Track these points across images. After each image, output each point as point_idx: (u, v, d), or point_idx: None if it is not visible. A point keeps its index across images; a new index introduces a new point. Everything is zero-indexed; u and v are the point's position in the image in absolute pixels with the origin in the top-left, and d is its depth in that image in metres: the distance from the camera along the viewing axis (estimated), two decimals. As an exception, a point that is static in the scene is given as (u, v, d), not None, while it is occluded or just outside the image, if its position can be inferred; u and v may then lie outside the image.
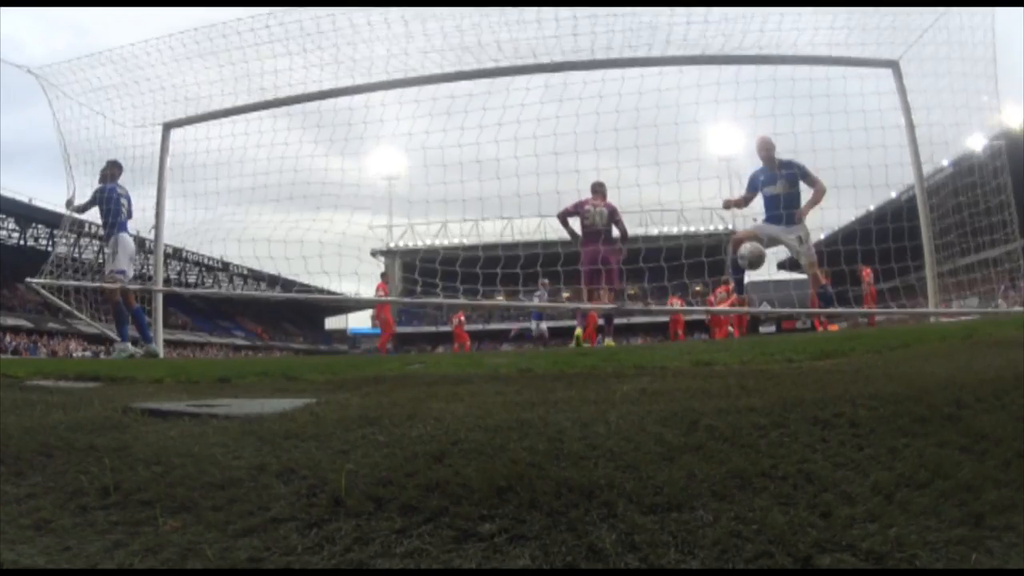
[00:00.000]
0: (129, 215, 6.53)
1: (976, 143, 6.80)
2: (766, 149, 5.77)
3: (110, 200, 6.32)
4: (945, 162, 6.80)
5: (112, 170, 6.49)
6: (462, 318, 17.09)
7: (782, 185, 5.63)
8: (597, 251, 6.14)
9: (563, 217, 6.44)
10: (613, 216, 6.29)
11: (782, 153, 5.67)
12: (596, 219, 6.24)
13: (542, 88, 5.76)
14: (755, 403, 1.78)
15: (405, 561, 0.95)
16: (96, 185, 6.49)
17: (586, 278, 6.26)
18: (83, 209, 6.73)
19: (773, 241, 5.71)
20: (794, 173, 5.61)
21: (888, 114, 5.76)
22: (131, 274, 6.49)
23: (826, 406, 1.68)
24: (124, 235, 6.36)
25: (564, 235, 6.48)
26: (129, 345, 6.22)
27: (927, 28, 5.61)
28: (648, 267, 6.23)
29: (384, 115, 6.02)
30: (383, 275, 12.25)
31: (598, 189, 6.37)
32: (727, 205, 5.97)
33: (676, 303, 15.42)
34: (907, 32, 5.68)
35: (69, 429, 1.81)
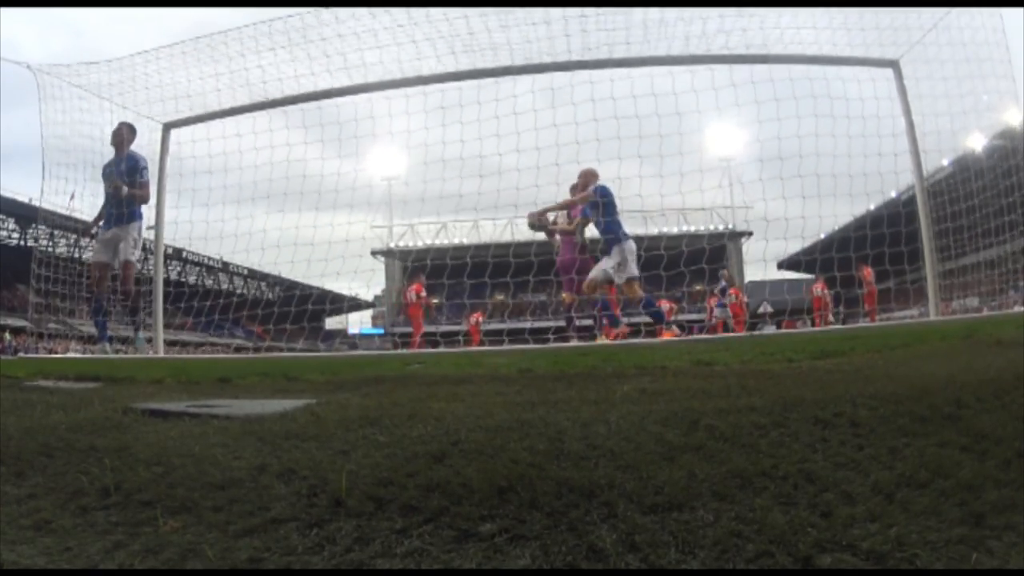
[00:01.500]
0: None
1: (977, 143, 6.80)
2: (582, 177, 5.85)
3: (141, 174, 5.35)
4: (945, 162, 6.79)
5: (131, 135, 5.53)
6: (480, 319, 16.99)
7: (594, 215, 5.77)
8: (567, 255, 6.36)
9: (549, 231, 6.63)
10: (570, 212, 6.40)
11: (788, 154, 5.66)
12: (560, 220, 6.40)
13: (544, 88, 5.78)
14: (755, 403, 1.78)
15: (406, 561, 0.95)
16: (106, 157, 5.53)
17: (563, 283, 6.46)
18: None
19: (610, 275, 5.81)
20: (599, 200, 5.68)
21: (888, 113, 5.77)
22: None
23: (826, 406, 1.68)
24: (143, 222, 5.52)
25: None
26: (145, 343, 5.68)
27: (928, 28, 5.61)
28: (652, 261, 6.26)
29: (384, 115, 6.04)
30: (417, 278, 12.16)
31: (574, 192, 6.50)
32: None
33: (663, 305, 15.50)
34: (908, 32, 5.68)
35: (69, 430, 1.81)
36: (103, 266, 5.44)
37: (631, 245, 5.70)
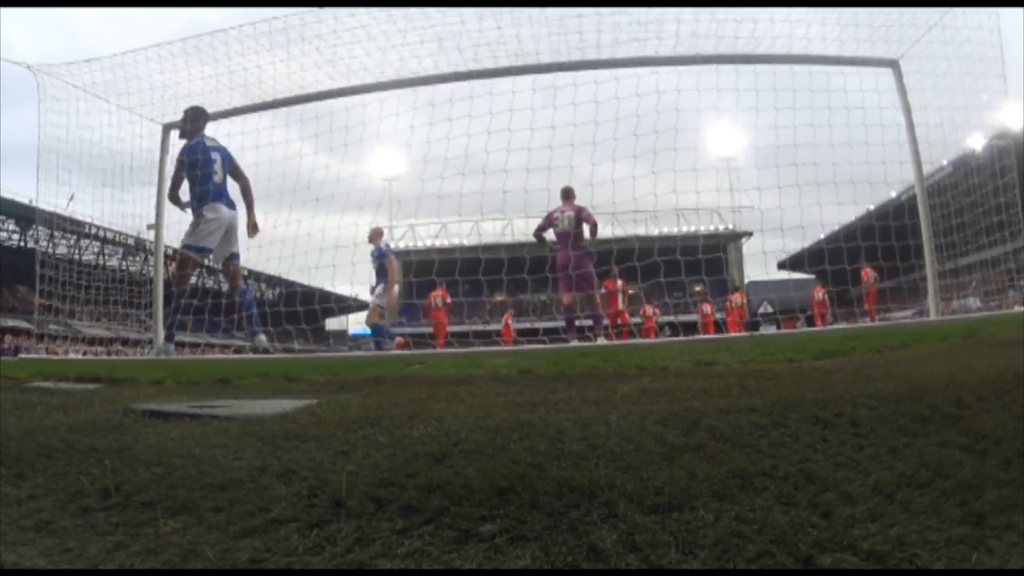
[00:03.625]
0: (227, 173, 5.09)
1: (976, 143, 6.81)
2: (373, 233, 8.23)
3: (197, 159, 4.96)
4: (945, 161, 6.80)
5: (195, 123, 5.15)
6: (508, 319, 16.87)
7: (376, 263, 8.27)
8: (568, 257, 6.27)
9: (537, 234, 6.71)
10: (580, 215, 6.39)
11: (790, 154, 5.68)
12: (564, 223, 6.38)
13: (539, 88, 5.79)
14: (756, 403, 1.78)
15: (406, 562, 0.95)
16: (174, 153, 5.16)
17: (560, 285, 6.41)
18: (176, 199, 5.16)
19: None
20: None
21: (888, 113, 5.78)
22: (214, 251, 5.08)
23: (827, 406, 1.68)
24: (211, 205, 5.01)
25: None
26: (172, 347, 5.34)
27: (928, 28, 5.61)
28: (644, 265, 6.27)
29: (384, 116, 6.05)
30: (439, 283, 12.32)
31: (567, 195, 6.49)
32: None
33: (647, 310, 15.52)
34: (908, 32, 5.68)
35: (70, 431, 1.81)
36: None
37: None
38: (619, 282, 11.62)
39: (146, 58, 6.00)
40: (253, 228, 5.24)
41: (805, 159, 5.51)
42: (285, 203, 6.12)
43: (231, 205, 5.14)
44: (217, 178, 5.05)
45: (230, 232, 5.12)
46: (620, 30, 5.45)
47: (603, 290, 11.41)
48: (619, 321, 11.41)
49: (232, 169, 5.19)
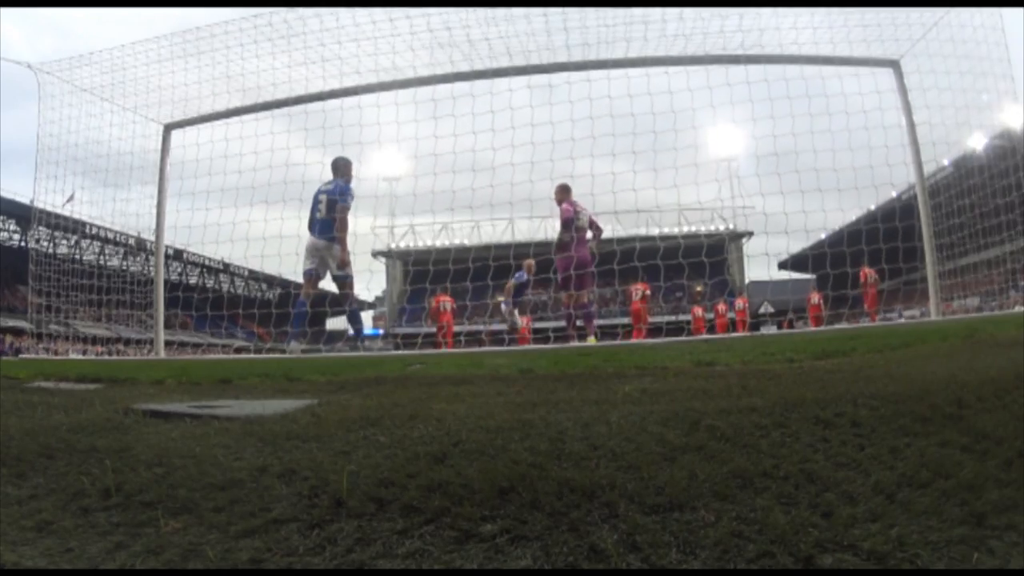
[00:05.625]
0: (332, 207, 5.72)
1: (977, 142, 6.81)
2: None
3: (312, 203, 5.91)
4: (946, 162, 6.79)
5: (333, 171, 5.95)
6: (528, 321, 16.84)
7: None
8: (577, 254, 6.25)
9: (568, 222, 6.41)
10: (590, 217, 6.41)
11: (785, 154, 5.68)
12: (583, 221, 6.36)
13: (540, 88, 5.81)
14: (756, 403, 1.78)
15: (407, 562, 0.95)
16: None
17: (562, 282, 6.38)
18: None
19: None
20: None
21: (889, 114, 5.78)
22: (313, 271, 5.83)
23: (827, 406, 1.68)
24: (310, 238, 5.86)
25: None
26: (294, 343, 5.89)
27: (928, 28, 5.61)
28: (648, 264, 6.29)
29: (383, 115, 6.08)
30: (444, 289, 12.47)
31: (567, 191, 6.44)
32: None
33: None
34: (908, 32, 5.69)
35: (71, 431, 1.81)
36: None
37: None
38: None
39: (147, 58, 6.00)
40: (341, 262, 5.91)
41: (806, 159, 5.51)
42: (289, 202, 6.16)
43: (326, 236, 5.79)
44: (319, 215, 5.83)
45: (323, 257, 5.82)
46: (623, 30, 5.46)
47: (646, 292, 12.06)
48: (640, 323, 11.92)
49: (336, 207, 5.79)
